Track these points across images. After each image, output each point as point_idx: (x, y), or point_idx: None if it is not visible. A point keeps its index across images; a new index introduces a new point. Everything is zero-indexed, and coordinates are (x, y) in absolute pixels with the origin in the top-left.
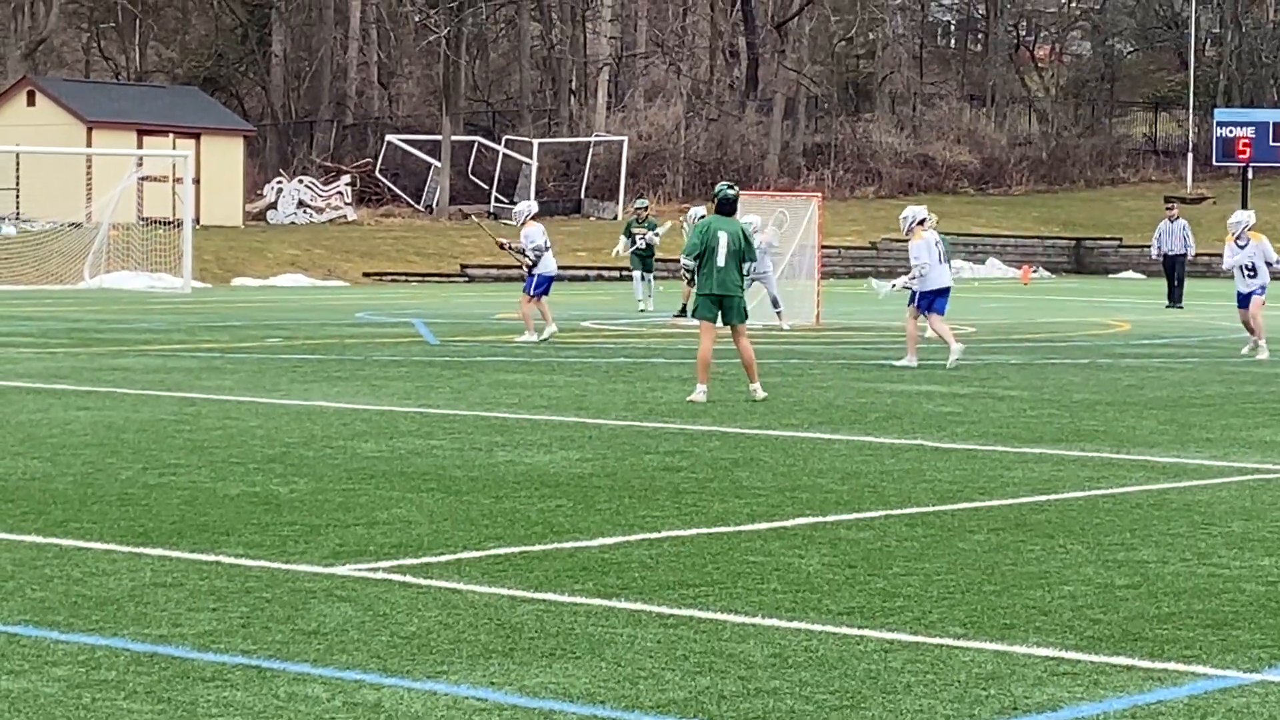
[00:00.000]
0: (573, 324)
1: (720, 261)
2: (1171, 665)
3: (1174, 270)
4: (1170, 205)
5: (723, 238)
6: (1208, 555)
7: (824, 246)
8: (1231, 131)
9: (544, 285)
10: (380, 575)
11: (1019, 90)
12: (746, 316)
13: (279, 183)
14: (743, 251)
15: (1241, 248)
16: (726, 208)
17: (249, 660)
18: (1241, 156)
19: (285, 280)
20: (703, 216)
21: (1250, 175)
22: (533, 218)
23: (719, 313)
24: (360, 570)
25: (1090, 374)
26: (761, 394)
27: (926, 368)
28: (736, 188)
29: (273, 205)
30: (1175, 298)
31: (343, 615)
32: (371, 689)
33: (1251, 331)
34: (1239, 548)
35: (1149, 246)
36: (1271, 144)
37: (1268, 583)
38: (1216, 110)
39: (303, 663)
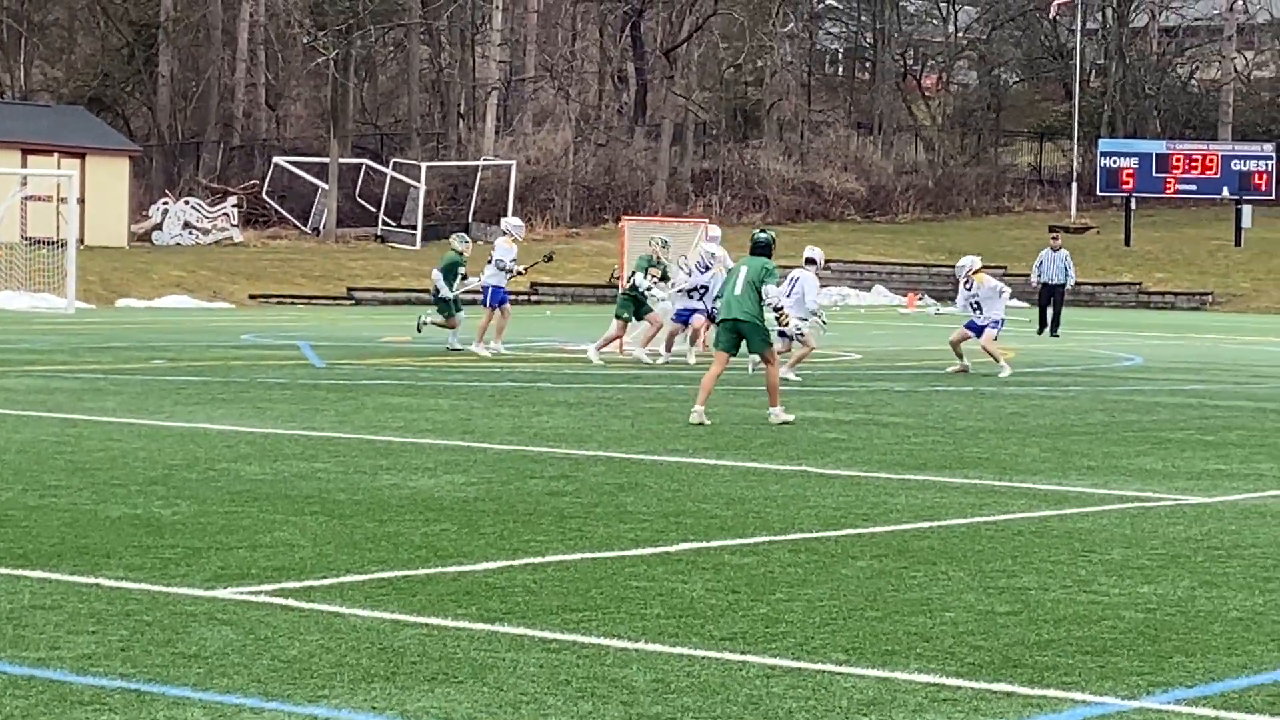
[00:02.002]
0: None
1: (737, 290)
2: (1051, 692)
3: (1050, 299)
4: (1055, 235)
5: (743, 270)
6: (1088, 582)
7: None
8: (1115, 162)
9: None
10: (262, 598)
11: (906, 119)
12: (769, 344)
13: (165, 203)
14: (760, 281)
15: (969, 290)
16: (760, 250)
17: (128, 684)
18: (1125, 187)
19: (170, 301)
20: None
21: (1133, 205)
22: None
23: (737, 341)
24: (242, 593)
25: (974, 401)
26: (779, 419)
27: (813, 393)
28: (769, 232)
29: (158, 226)
30: (1052, 327)
31: (224, 639)
32: (252, 713)
33: (960, 356)
34: (1119, 575)
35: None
36: (1154, 175)
37: (1147, 610)
38: (1100, 141)
39: (183, 686)
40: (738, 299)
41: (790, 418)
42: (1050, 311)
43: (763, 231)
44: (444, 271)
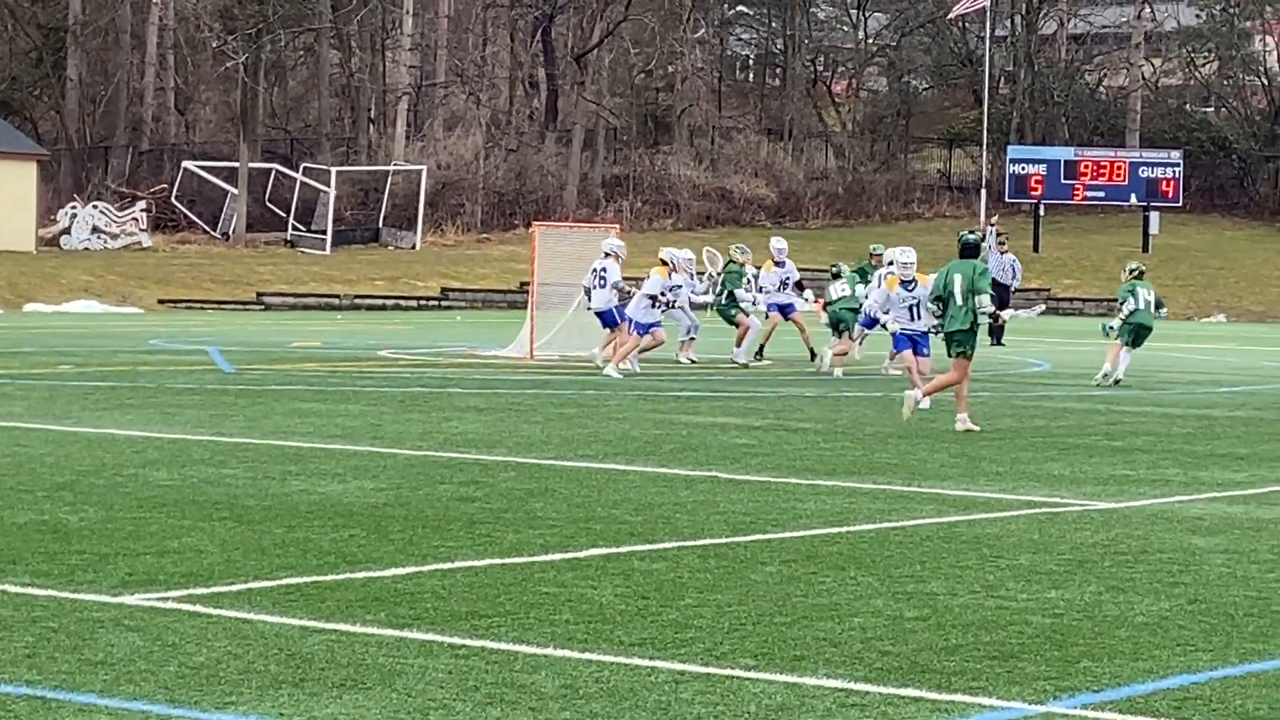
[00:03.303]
0: (369, 353)
1: (958, 300)
2: (958, 697)
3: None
4: (1002, 239)
5: (957, 280)
6: (996, 587)
7: (625, 278)
8: (1024, 169)
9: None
10: (170, 605)
11: (816, 125)
12: (972, 353)
13: (73, 208)
14: (973, 288)
15: (779, 265)
16: (968, 252)
17: (34, 691)
18: (1034, 193)
19: (78, 306)
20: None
21: (1042, 212)
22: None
23: (963, 346)
24: (149, 599)
25: (884, 407)
26: (963, 426)
27: (723, 399)
28: (977, 233)
29: (66, 231)
30: (998, 335)
31: (130, 645)
32: None
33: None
34: (1026, 580)
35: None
36: (1063, 181)
37: (1054, 615)
38: (1010, 147)
39: (89, 693)
40: (960, 309)
41: (976, 427)
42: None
43: (971, 233)
44: (729, 280)
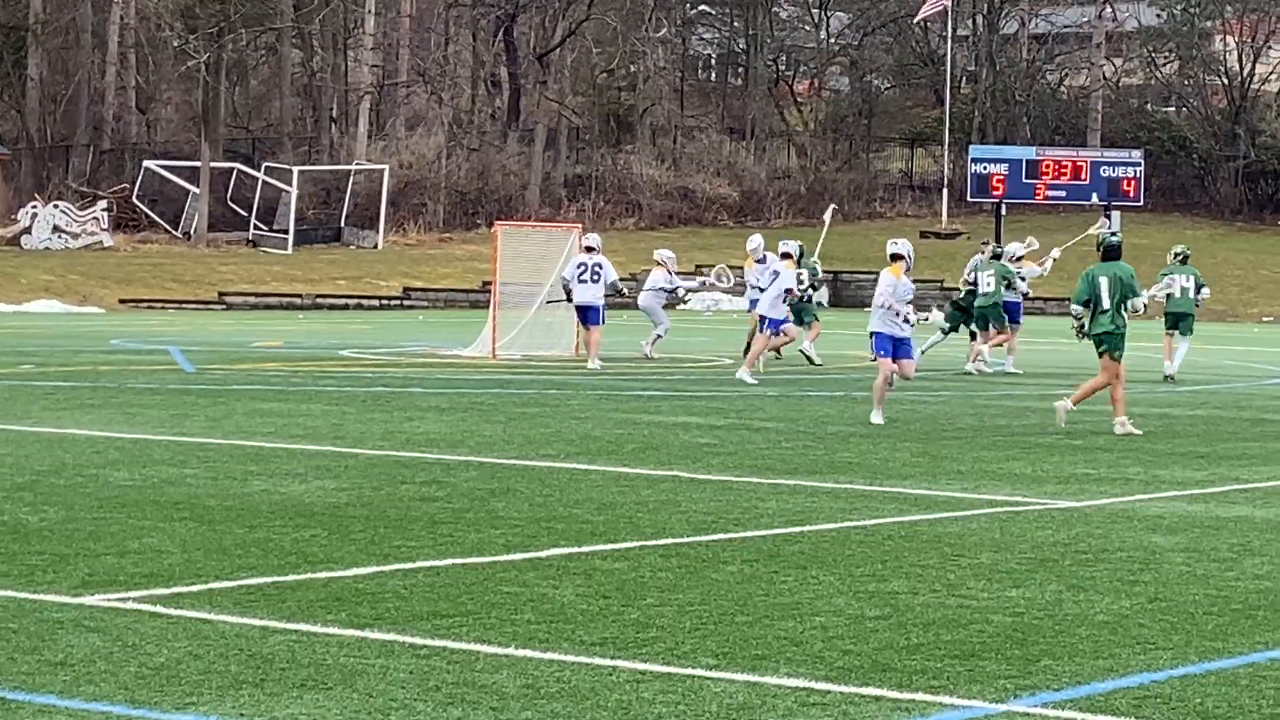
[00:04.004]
0: (331, 353)
1: (1105, 304)
2: (920, 696)
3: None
4: (985, 242)
5: (1103, 283)
6: (957, 586)
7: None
8: (986, 168)
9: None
10: (130, 605)
11: (778, 124)
12: (1120, 355)
13: (34, 207)
14: (1124, 293)
15: (760, 261)
16: (1112, 254)
17: None
18: (995, 193)
19: (39, 306)
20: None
21: (1004, 211)
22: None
23: (1111, 348)
24: (110, 600)
25: (845, 406)
26: (1122, 429)
27: (685, 398)
28: (1119, 234)
29: (27, 230)
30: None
31: (90, 646)
32: None
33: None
34: (988, 579)
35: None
36: (1024, 180)
37: (1015, 614)
38: (971, 147)
39: (48, 694)
40: (1107, 314)
41: (1137, 431)
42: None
43: (1114, 235)
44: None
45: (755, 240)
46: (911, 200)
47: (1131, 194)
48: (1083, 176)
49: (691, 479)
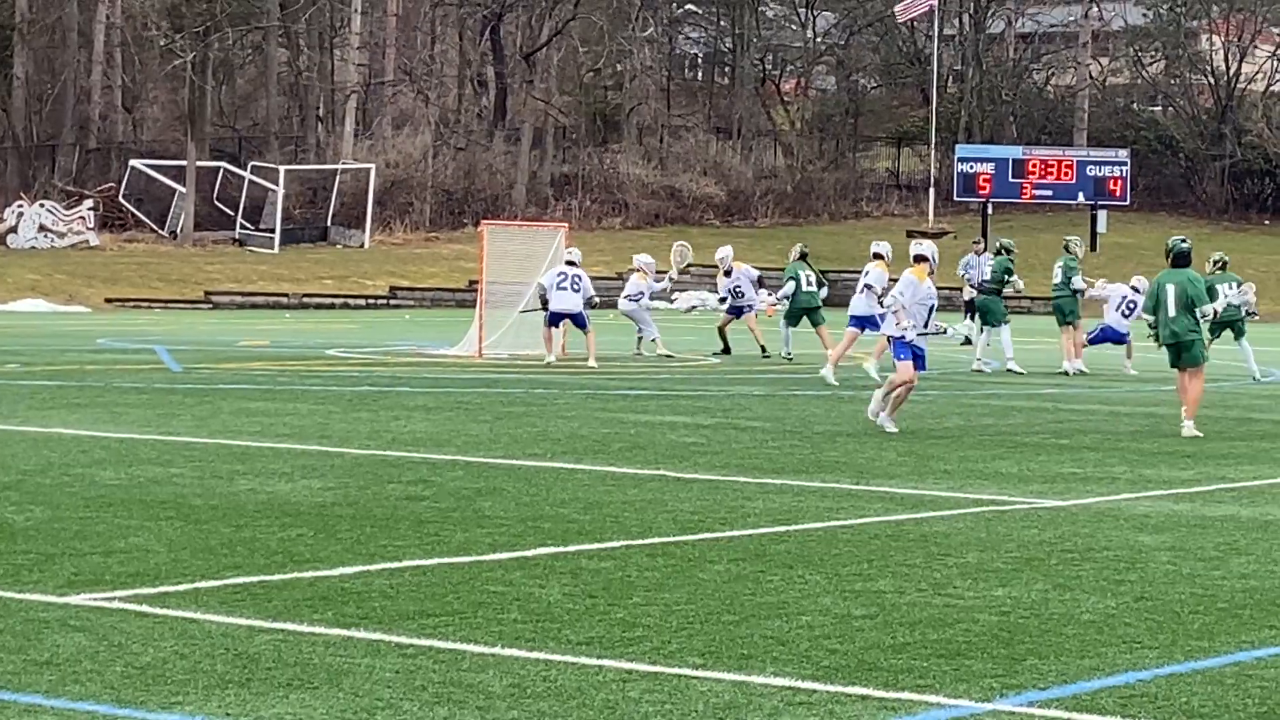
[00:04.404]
0: (317, 352)
1: (1171, 312)
2: (906, 695)
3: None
4: (977, 240)
5: (1170, 290)
6: (943, 586)
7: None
8: (972, 167)
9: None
10: (116, 605)
11: (765, 124)
12: (1202, 360)
13: (19, 207)
14: (1192, 299)
15: (727, 274)
16: (1180, 261)
17: None
18: (982, 192)
19: (25, 305)
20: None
21: (990, 210)
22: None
23: (1178, 357)
24: (96, 599)
25: (832, 405)
26: (1190, 432)
27: (671, 397)
28: (1188, 240)
29: (13, 229)
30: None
31: (76, 645)
32: None
33: (725, 340)
34: (974, 578)
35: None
36: (1011, 180)
37: (1001, 613)
38: (958, 146)
39: (34, 694)
40: (1173, 320)
41: (1199, 433)
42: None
43: (1184, 240)
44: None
45: (723, 251)
46: (898, 200)
47: (1118, 193)
48: (1069, 176)
49: (678, 478)
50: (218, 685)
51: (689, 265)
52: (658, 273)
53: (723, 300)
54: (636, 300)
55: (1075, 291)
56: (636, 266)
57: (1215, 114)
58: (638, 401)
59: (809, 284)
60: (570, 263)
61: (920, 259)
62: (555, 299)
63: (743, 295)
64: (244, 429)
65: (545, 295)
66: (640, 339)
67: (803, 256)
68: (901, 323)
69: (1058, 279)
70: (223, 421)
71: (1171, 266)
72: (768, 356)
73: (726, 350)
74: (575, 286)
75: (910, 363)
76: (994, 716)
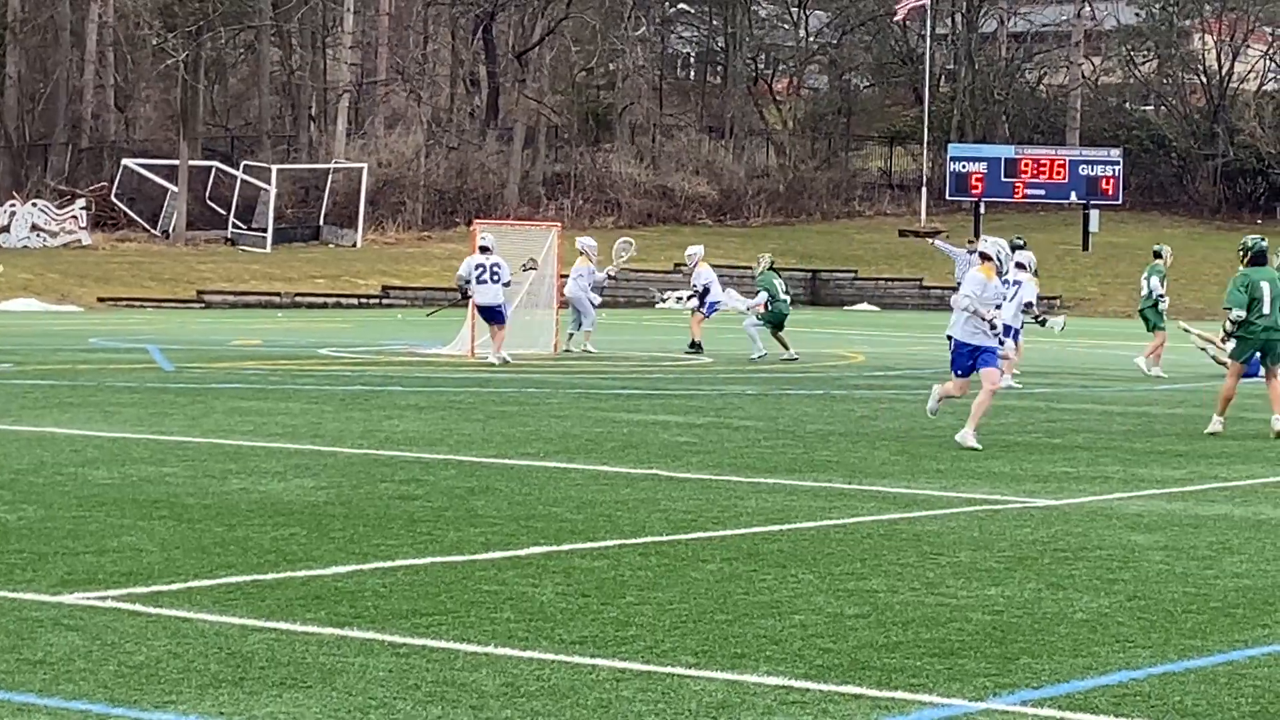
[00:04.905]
0: (310, 351)
1: (1265, 309)
2: (899, 694)
3: None
4: (971, 241)
5: (1265, 287)
6: (936, 585)
7: (563, 276)
8: (965, 167)
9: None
10: (109, 604)
11: (757, 123)
12: None
13: (12, 206)
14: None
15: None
16: (1259, 259)
17: None
18: (974, 191)
19: (17, 305)
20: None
21: (982, 210)
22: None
23: (1260, 355)
24: (89, 599)
25: (824, 405)
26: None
27: (664, 396)
28: (1265, 239)
29: (5, 229)
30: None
31: (69, 644)
32: (98, 719)
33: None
34: (967, 577)
35: (884, 279)
36: (1003, 179)
37: (994, 612)
38: (950, 146)
39: (27, 693)
40: (1268, 317)
41: (1217, 427)
42: None
43: (1262, 240)
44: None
45: (691, 249)
46: (890, 199)
47: (1110, 193)
48: (1061, 175)
49: (671, 477)
50: (211, 684)
51: (629, 260)
52: (598, 264)
53: (699, 296)
54: (579, 281)
55: (1159, 298)
56: (580, 249)
57: (1208, 113)
58: (630, 401)
59: (783, 293)
60: (484, 249)
61: (985, 257)
62: (478, 293)
63: (709, 292)
64: (237, 428)
65: (465, 287)
66: (572, 335)
67: (771, 267)
68: (988, 317)
69: (1143, 290)
70: (215, 421)
71: (1249, 265)
72: (700, 352)
73: (696, 347)
74: (494, 276)
75: (965, 379)
76: (987, 715)
